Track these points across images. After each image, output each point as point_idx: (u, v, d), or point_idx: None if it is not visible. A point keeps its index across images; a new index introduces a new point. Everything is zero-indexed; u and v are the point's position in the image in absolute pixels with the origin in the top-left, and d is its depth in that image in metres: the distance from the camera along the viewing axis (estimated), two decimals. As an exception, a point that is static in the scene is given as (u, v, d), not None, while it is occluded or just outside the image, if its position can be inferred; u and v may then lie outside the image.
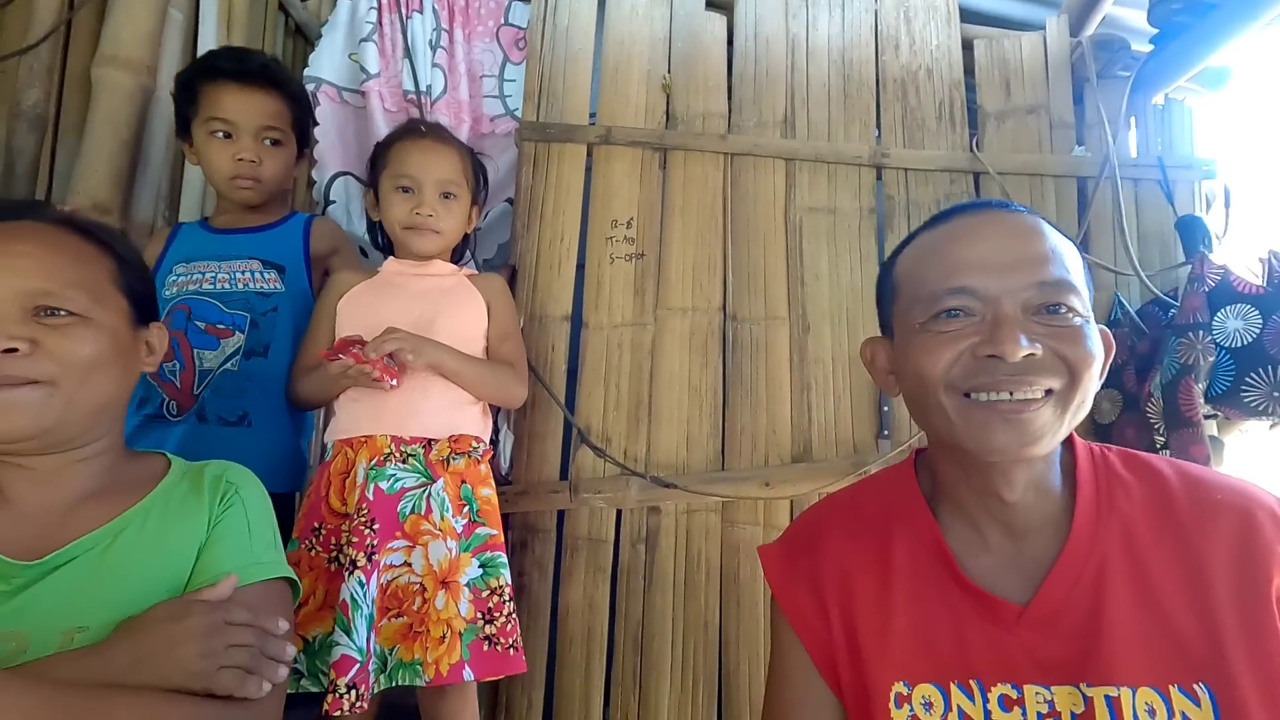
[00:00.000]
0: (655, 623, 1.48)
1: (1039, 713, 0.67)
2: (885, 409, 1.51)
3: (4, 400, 0.70)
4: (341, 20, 1.94)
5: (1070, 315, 0.66)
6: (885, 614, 0.73)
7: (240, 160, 1.29)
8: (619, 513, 1.52)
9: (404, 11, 1.93)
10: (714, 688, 1.48)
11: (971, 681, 0.69)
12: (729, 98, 1.66)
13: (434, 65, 1.91)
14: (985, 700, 0.69)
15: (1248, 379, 1.19)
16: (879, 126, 1.65)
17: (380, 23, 1.92)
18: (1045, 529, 0.71)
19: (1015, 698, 0.68)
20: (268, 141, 1.31)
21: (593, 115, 1.69)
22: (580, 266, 1.61)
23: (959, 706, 0.69)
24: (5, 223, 0.78)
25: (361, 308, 1.24)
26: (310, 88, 1.84)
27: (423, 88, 1.88)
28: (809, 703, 0.76)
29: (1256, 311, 1.19)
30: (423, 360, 1.16)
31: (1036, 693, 0.68)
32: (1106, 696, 0.65)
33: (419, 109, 1.88)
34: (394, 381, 1.13)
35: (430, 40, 1.93)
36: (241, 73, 1.29)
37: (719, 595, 1.50)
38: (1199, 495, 0.69)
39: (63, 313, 0.74)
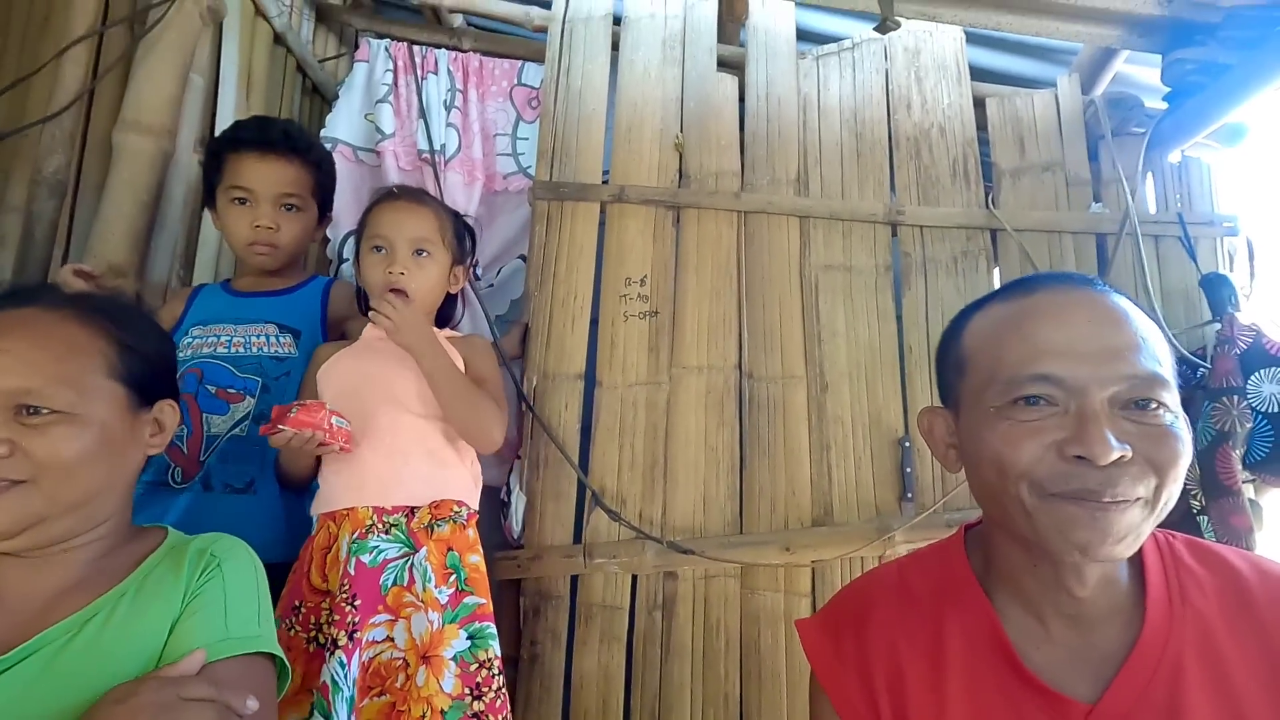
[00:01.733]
0: (673, 694, 1.42)
1: None
2: (908, 470, 1.47)
3: None
4: (358, 82, 1.98)
5: (1161, 411, 0.62)
6: (940, 706, 0.68)
7: (258, 227, 1.30)
8: (634, 578, 1.47)
9: (419, 73, 1.97)
10: (735, 765, 1.41)
11: None
12: (742, 156, 1.67)
13: (448, 125, 1.94)
14: None
15: (1286, 444, 1.15)
16: (893, 184, 1.65)
17: (396, 84, 1.96)
18: (1114, 620, 0.67)
19: None
20: (285, 208, 1.32)
21: (606, 174, 1.70)
22: (594, 324, 1.60)
23: None
24: (2, 313, 0.78)
25: (340, 374, 1.20)
26: (327, 147, 1.87)
27: (437, 147, 1.90)
28: None
29: (1291, 374, 1.16)
30: (403, 337, 1.14)
31: None
32: None
33: (433, 168, 1.90)
34: (343, 443, 1.08)
35: (445, 100, 1.96)
36: (262, 141, 1.31)
37: (739, 665, 1.44)
38: (1276, 590, 0.65)
39: (44, 411, 0.73)
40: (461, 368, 1.23)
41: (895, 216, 1.60)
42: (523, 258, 1.92)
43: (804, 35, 1.77)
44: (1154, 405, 0.62)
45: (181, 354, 1.26)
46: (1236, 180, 1.58)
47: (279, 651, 0.79)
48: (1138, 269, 1.51)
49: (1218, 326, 1.29)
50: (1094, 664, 0.66)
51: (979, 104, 1.67)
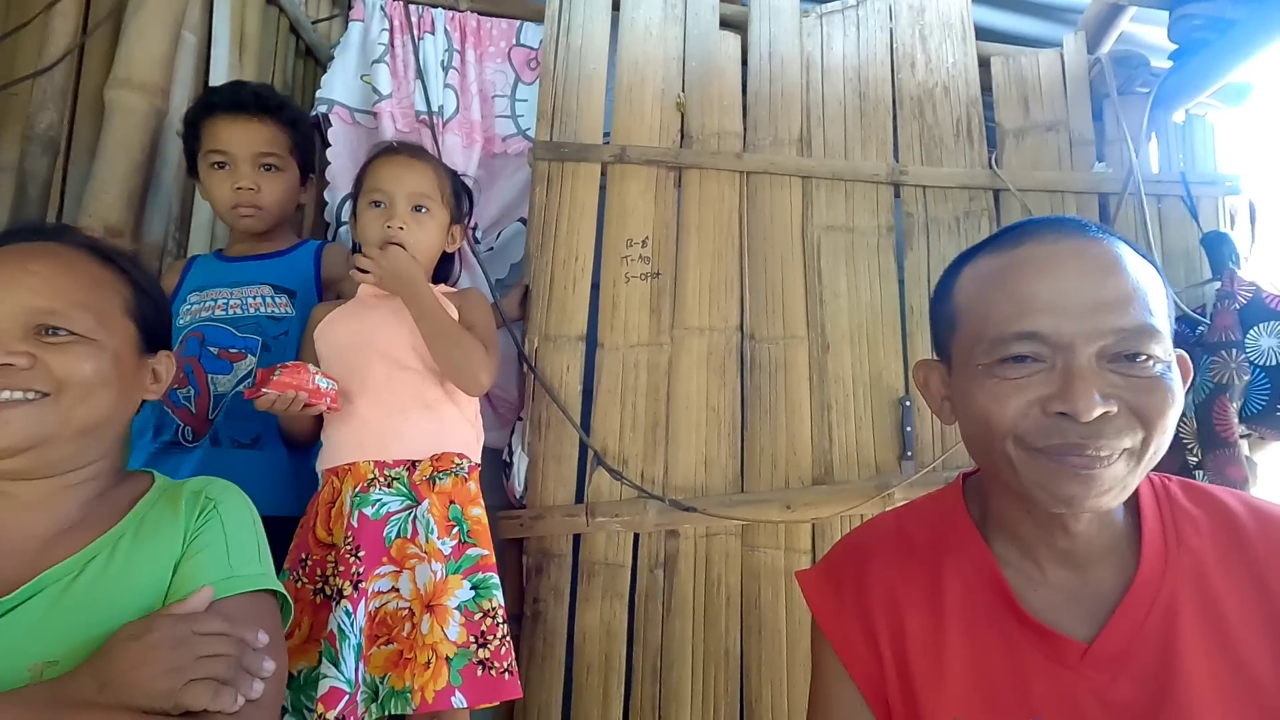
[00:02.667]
0: (674, 650, 1.45)
1: None
2: (908, 429, 1.48)
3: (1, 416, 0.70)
4: (354, 42, 1.94)
5: (1150, 363, 0.61)
6: (939, 649, 0.70)
7: (239, 189, 1.29)
8: (636, 536, 1.49)
9: (416, 33, 1.93)
10: (736, 716, 1.44)
11: None
12: (744, 116, 1.66)
13: (446, 86, 1.91)
14: None
15: (1283, 398, 1.16)
16: (896, 144, 1.64)
17: (392, 44, 1.92)
18: (1109, 561, 0.68)
19: None
20: (264, 168, 1.31)
21: (607, 134, 1.68)
22: (595, 286, 1.59)
23: None
24: (27, 243, 0.80)
25: (337, 332, 1.20)
26: (322, 109, 1.84)
27: (435, 108, 1.87)
28: None
29: (1290, 329, 1.17)
30: (391, 286, 1.15)
31: None
32: None
33: (431, 129, 1.88)
34: (329, 402, 1.09)
35: (442, 61, 1.93)
36: (234, 103, 1.31)
37: (740, 621, 1.46)
38: (1269, 529, 0.66)
39: (64, 332, 0.75)
40: (455, 317, 1.23)
41: (898, 177, 1.59)
42: (522, 221, 1.90)
43: (805, -7, 1.74)
44: (1143, 358, 0.61)
45: (181, 320, 1.28)
46: (1239, 140, 1.58)
47: (280, 588, 0.80)
48: (1140, 228, 1.52)
49: (1218, 284, 1.29)
50: (1090, 604, 0.67)
51: (984, 64, 1.66)
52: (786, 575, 1.47)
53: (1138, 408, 0.61)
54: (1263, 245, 1.48)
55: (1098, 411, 0.59)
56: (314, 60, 2.13)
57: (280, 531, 1.14)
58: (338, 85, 1.91)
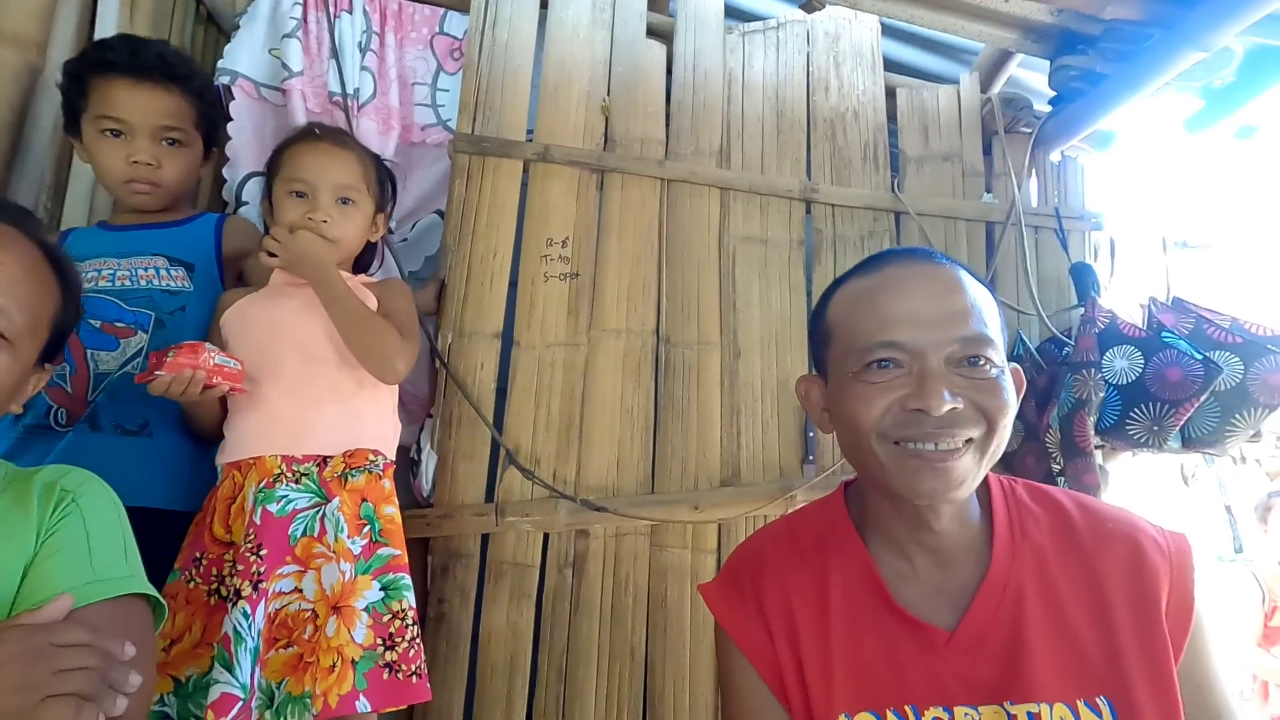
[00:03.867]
0: (580, 649, 1.46)
1: None
2: (811, 435, 1.56)
3: None
4: (262, 12, 1.83)
5: (988, 367, 0.72)
6: (826, 646, 0.77)
7: (135, 163, 1.18)
8: (546, 536, 1.49)
9: (331, 9, 1.85)
10: (639, 713, 1.46)
11: (907, 707, 0.74)
12: (667, 125, 1.69)
13: (363, 68, 1.84)
14: None
15: (1131, 414, 1.31)
16: (809, 163, 1.72)
17: (305, 19, 1.83)
18: (968, 557, 0.77)
19: (946, 719, 0.72)
20: (167, 142, 1.21)
21: (530, 132, 1.67)
22: (513, 283, 1.58)
23: None
24: None
25: (247, 320, 1.14)
26: (224, 80, 1.73)
27: (349, 90, 1.80)
28: None
29: (1139, 353, 1.32)
30: (299, 271, 1.11)
31: (966, 714, 0.72)
32: (1029, 714, 0.71)
33: (345, 111, 1.80)
34: (232, 384, 1.03)
35: (360, 42, 1.86)
36: (136, 66, 1.17)
37: (645, 620, 1.49)
38: (1095, 525, 0.77)
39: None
40: (374, 307, 1.19)
41: (810, 194, 1.67)
42: (439, 213, 1.86)
43: (730, 12, 1.80)
44: (982, 361, 0.72)
45: None
46: (1103, 181, 1.76)
47: (152, 590, 0.75)
48: (1020, 256, 1.67)
49: (1082, 310, 1.44)
50: (952, 596, 0.76)
51: (890, 93, 1.77)
52: (693, 574, 1.51)
53: (980, 405, 0.71)
54: (1119, 277, 1.66)
55: (947, 407, 0.69)
56: (215, 27, 2.00)
57: (171, 528, 1.07)
58: (243, 57, 1.80)
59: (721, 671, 0.84)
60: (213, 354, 1.00)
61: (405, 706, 1.11)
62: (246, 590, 0.98)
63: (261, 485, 1.05)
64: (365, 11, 1.88)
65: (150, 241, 1.23)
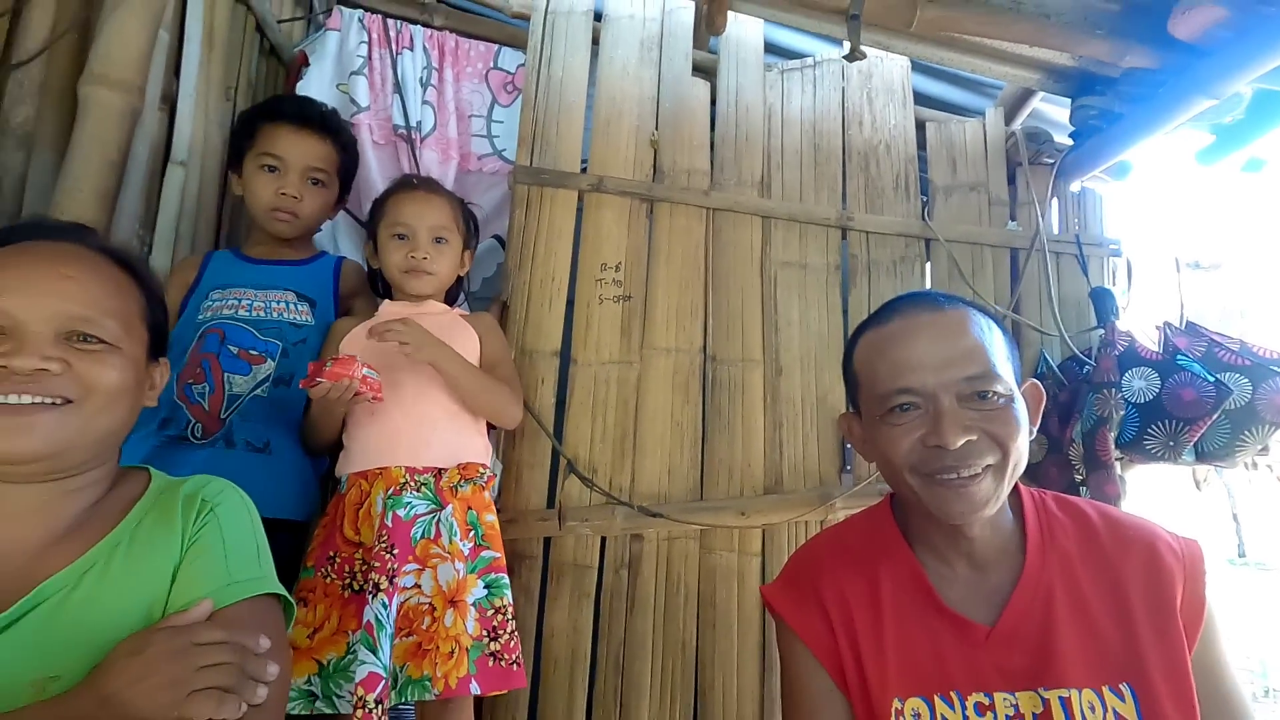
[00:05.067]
0: (636, 644, 1.57)
1: (1006, 715, 0.82)
2: (848, 446, 1.68)
3: (26, 421, 0.70)
4: (330, 51, 1.98)
5: (995, 398, 0.81)
6: (880, 639, 0.87)
7: (283, 194, 1.36)
8: (603, 540, 1.60)
9: (394, 47, 1.99)
10: (690, 705, 1.57)
11: (952, 693, 0.84)
12: (711, 157, 1.81)
13: (424, 102, 1.98)
14: (964, 707, 0.83)
15: (1149, 430, 1.42)
16: (845, 193, 1.84)
17: (370, 56, 1.97)
18: (1003, 561, 0.87)
19: (987, 704, 0.83)
20: (312, 181, 1.39)
21: (584, 163, 1.80)
22: (570, 304, 1.70)
23: (942, 715, 0.84)
24: (53, 242, 0.79)
25: (366, 347, 1.29)
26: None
27: (412, 123, 1.94)
28: (834, 712, 0.88)
29: (1156, 374, 1.43)
30: (423, 356, 1.23)
31: (1004, 699, 0.83)
32: (1060, 698, 0.81)
33: (409, 144, 1.94)
34: (375, 393, 1.16)
35: (420, 78, 1.99)
36: (300, 116, 1.39)
37: (696, 617, 1.61)
38: (1116, 532, 0.87)
39: (94, 340, 0.76)
40: (476, 345, 1.33)
41: (845, 222, 1.80)
42: (496, 237, 1.99)
43: (770, 49, 1.92)
44: (990, 395, 0.81)
45: (201, 316, 1.30)
46: (1121, 208, 1.87)
47: (281, 589, 0.81)
48: (1043, 280, 1.78)
49: (1101, 332, 1.56)
50: (989, 595, 0.86)
51: (920, 126, 1.89)
52: (739, 575, 1.63)
53: (993, 434, 0.81)
54: (1136, 298, 1.77)
55: (961, 441, 0.79)
56: (277, 59, 2.14)
57: (287, 534, 1.20)
58: (313, 93, 1.93)
59: (785, 664, 0.94)
60: (361, 367, 1.14)
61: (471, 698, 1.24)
62: (384, 584, 1.11)
63: (389, 492, 1.18)
64: (425, 49, 2.02)
65: (282, 277, 1.39)
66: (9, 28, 1.48)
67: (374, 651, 1.08)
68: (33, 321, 0.73)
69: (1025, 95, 1.84)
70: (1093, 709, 0.81)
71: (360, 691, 1.05)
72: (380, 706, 1.05)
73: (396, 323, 1.21)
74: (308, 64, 2.07)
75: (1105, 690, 0.81)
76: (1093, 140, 1.69)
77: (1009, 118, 1.91)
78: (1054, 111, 1.91)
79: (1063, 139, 1.84)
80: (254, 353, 1.28)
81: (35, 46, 1.46)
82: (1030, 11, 1.39)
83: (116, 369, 0.77)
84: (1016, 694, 0.82)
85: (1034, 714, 0.82)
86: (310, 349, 1.33)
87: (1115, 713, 0.81)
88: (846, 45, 1.46)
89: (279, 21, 2.13)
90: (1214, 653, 0.84)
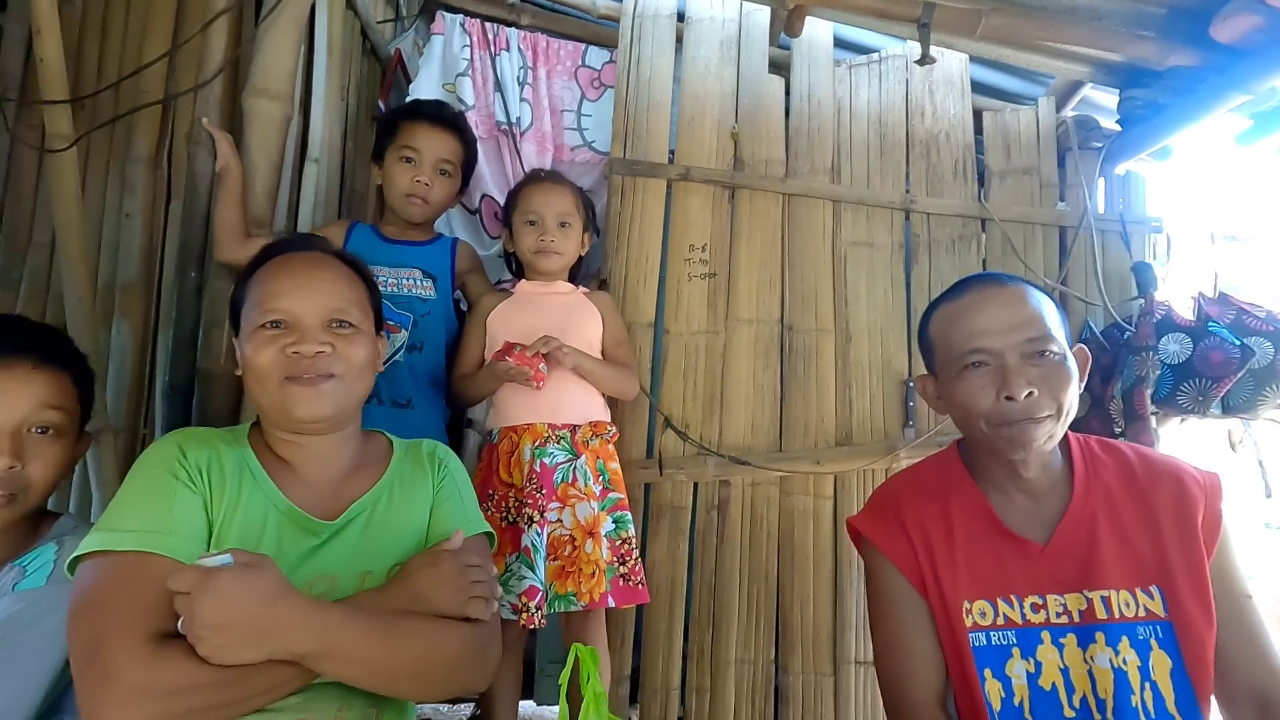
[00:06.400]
0: (725, 574, 1.83)
1: (1056, 612, 1.03)
2: (910, 404, 1.90)
3: (318, 391, 0.94)
4: (436, 54, 2.19)
5: (1051, 355, 1.01)
6: (952, 555, 1.07)
7: (417, 182, 1.58)
8: (695, 485, 1.85)
9: (493, 49, 2.20)
10: (773, 625, 1.83)
11: (1011, 596, 1.05)
12: (787, 148, 2.01)
13: (522, 99, 2.19)
14: (1021, 607, 1.04)
15: (1181, 388, 1.63)
16: (908, 178, 2.03)
17: (472, 59, 2.18)
18: (1054, 492, 1.07)
19: (1041, 604, 1.04)
20: (441, 172, 1.61)
21: (671, 154, 2.01)
22: (661, 282, 1.93)
23: (1004, 613, 1.05)
24: (304, 253, 1.03)
25: (509, 321, 1.55)
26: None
27: (513, 119, 2.16)
28: (916, 614, 1.07)
29: (1189, 339, 1.63)
30: (570, 362, 1.48)
31: (1055, 599, 1.03)
32: (1101, 597, 1.01)
33: (511, 139, 2.17)
34: (541, 383, 1.44)
35: (518, 77, 2.21)
36: (436, 116, 1.62)
37: (777, 551, 1.86)
38: (1149, 467, 1.07)
39: (348, 325, 0.98)
40: (599, 321, 1.57)
41: (909, 204, 2.00)
42: (589, 221, 2.22)
43: (837, 43, 2.10)
44: (1046, 352, 1.00)
45: None
46: (1162, 188, 2.04)
47: (491, 529, 1.07)
48: (1089, 256, 1.97)
49: (1141, 302, 1.75)
50: (1044, 520, 1.05)
51: (976, 115, 2.07)
52: (814, 516, 1.87)
53: (1050, 388, 0.99)
54: (1175, 270, 1.95)
55: (1025, 392, 0.98)
56: (375, 58, 2.37)
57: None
58: (424, 93, 2.16)
59: (872, 580, 1.14)
60: (539, 359, 1.41)
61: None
62: (536, 517, 1.38)
63: (536, 443, 1.45)
64: (520, 49, 2.23)
65: (411, 256, 1.63)
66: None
67: (533, 569, 1.35)
68: (307, 316, 0.95)
69: (1076, 85, 2.01)
70: (1127, 605, 1.01)
71: (523, 600, 1.33)
72: (539, 612, 1.33)
73: (540, 342, 1.44)
74: (403, 62, 2.31)
75: (1138, 591, 1.01)
76: (1138, 128, 1.86)
77: (1060, 105, 2.07)
78: (1102, 98, 2.07)
79: (1109, 123, 2.00)
80: (391, 323, 1.51)
81: (215, 66, 1.71)
82: (1084, 17, 1.57)
83: (363, 346, 1.00)
84: (1065, 596, 1.03)
85: (1079, 610, 1.02)
86: (435, 319, 1.57)
87: (1145, 608, 1.01)
88: (915, 48, 1.65)
89: (378, 22, 2.36)
90: (1228, 562, 1.03)
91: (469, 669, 0.92)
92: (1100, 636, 0.99)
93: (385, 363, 1.49)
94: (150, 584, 0.78)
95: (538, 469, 1.42)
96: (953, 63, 2.03)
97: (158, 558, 0.81)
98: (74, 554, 0.83)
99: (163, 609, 0.77)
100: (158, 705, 0.73)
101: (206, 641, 0.74)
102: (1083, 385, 1.07)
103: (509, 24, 2.27)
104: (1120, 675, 0.97)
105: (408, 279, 1.60)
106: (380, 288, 1.52)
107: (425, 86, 2.18)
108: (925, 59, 1.56)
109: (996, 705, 1.01)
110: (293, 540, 0.92)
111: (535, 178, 1.61)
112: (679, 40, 2.07)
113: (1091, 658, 1.00)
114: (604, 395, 1.61)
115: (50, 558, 0.97)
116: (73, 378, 1.03)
